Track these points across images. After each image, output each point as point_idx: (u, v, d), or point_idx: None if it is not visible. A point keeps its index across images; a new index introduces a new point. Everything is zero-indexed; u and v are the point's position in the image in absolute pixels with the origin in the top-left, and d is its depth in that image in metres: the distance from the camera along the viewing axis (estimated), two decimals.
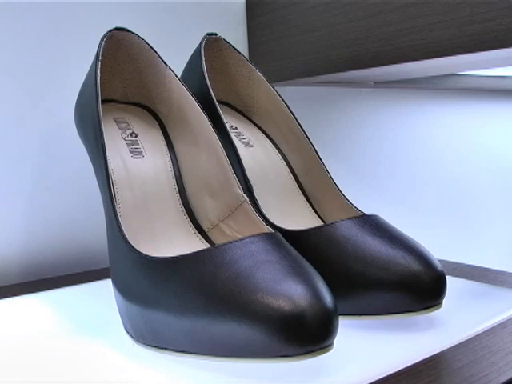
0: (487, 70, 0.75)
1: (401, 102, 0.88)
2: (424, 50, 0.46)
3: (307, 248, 0.35)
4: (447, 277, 0.34)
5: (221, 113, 0.42)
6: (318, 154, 0.45)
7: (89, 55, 0.44)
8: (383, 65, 0.50)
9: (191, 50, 0.47)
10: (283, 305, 0.26)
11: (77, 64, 0.53)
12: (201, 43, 0.46)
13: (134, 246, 0.32)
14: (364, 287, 0.33)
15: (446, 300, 0.34)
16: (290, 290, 0.26)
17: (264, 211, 0.39)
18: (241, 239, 0.30)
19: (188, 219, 0.40)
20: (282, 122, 0.47)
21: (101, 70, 0.40)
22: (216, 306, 0.27)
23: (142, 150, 0.42)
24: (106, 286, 0.39)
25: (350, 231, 0.35)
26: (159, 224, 0.39)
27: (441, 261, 0.48)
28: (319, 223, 0.44)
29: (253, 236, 0.30)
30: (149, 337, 0.30)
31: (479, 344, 0.32)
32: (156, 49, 0.42)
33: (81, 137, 0.42)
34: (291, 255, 0.30)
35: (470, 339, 0.33)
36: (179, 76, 0.43)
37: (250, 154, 0.46)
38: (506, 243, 1.08)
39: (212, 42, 0.47)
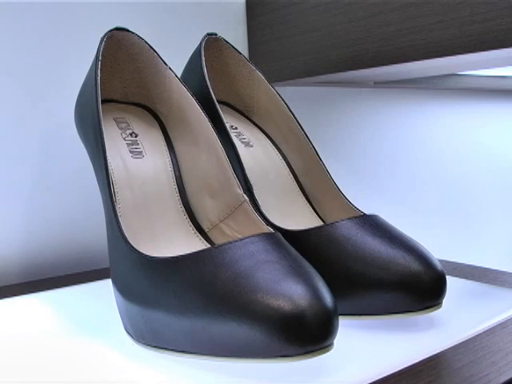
0: (487, 70, 0.75)
1: (401, 102, 0.88)
2: (424, 50, 0.46)
3: (307, 248, 0.35)
4: (447, 277, 0.34)
5: (221, 113, 0.42)
6: (318, 154, 0.45)
7: (89, 55, 0.44)
8: (383, 65, 0.50)
9: (191, 50, 0.47)
10: (283, 305, 0.26)
11: (77, 64, 0.53)
12: (201, 43, 0.46)
13: (134, 245, 0.32)
14: (364, 287, 0.33)
15: (446, 300, 0.34)
16: (289, 290, 0.26)
17: (264, 211, 0.39)
18: (241, 239, 0.30)
19: (188, 219, 0.40)
20: (282, 122, 0.47)
21: (101, 70, 0.40)
22: (216, 305, 0.27)
23: (142, 149, 0.42)
24: (106, 285, 0.39)
25: (350, 231, 0.35)
26: (159, 224, 0.39)
27: (441, 261, 0.48)
28: (319, 223, 0.44)
29: (253, 236, 0.30)
30: (149, 337, 0.30)
31: (479, 344, 0.32)
32: (156, 49, 0.42)
33: (81, 137, 0.42)
34: (291, 255, 0.30)
35: (470, 339, 0.32)
36: (179, 76, 0.43)
37: (250, 154, 0.46)
38: (506, 243, 1.08)
39: (212, 42, 0.47)
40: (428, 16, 0.46)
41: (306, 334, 0.26)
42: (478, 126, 1.02)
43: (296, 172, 0.46)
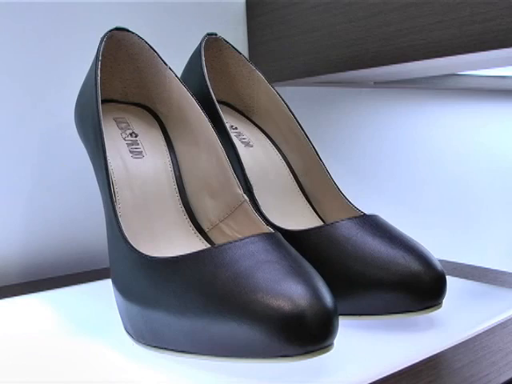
0: (487, 70, 0.75)
1: (401, 102, 0.88)
2: (424, 50, 0.46)
3: (307, 248, 0.35)
4: (447, 277, 0.34)
5: (221, 113, 0.42)
6: (318, 154, 0.45)
7: (89, 55, 0.44)
8: (383, 65, 0.50)
9: (191, 50, 0.47)
10: (283, 305, 0.26)
11: (77, 64, 0.53)
12: (201, 43, 0.46)
13: (134, 246, 0.32)
14: (364, 287, 0.33)
15: (446, 300, 0.34)
16: (290, 290, 0.26)
17: (264, 211, 0.39)
18: (241, 239, 0.30)
19: (188, 219, 0.40)
20: (282, 122, 0.47)
21: (101, 70, 0.40)
22: (216, 305, 0.27)
23: (142, 149, 0.42)
24: (106, 285, 0.39)
25: (350, 231, 0.35)
26: (159, 224, 0.39)
27: (441, 261, 0.48)
28: (319, 223, 0.44)
29: (253, 236, 0.30)
30: (149, 337, 0.30)
31: (479, 344, 0.32)
32: (156, 49, 0.42)
33: (81, 137, 0.42)
34: (291, 255, 0.30)
35: (470, 339, 0.32)
36: (179, 76, 0.43)
37: (250, 154, 0.46)
38: (506, 243, 1.08)
39: (212, 42, 0.47)
40: (428, 16, 0.46)
41: (306, 334, 0.26)
42: (478, 126, 1.02)
43: (296, 172, 0.46)
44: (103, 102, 0.44)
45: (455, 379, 0.28)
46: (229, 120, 0.48)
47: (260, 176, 0.44)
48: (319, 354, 0.26)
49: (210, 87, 0.43)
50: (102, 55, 0.41)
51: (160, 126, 0.45)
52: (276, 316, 0.26)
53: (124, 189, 0.39)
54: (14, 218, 0.52)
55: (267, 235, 0.31)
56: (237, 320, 0.26)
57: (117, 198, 0.38)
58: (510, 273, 0.47)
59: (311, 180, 0.45)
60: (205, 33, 0.47)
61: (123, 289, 0.32)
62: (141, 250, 0.32)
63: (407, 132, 0.89)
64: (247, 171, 0.41)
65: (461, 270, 0.49)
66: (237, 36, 0.66)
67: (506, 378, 0.28)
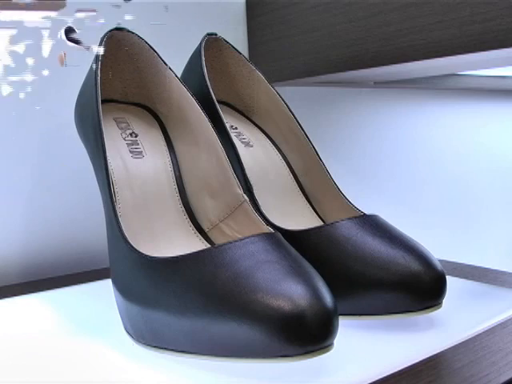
0: (487, 70, 0.75)
1: (401, 102, 0.88)
2: (424, 50, 0.46)
3: (307, 248, 0.35)
4: (447, 277, 0.34)
5: (221, 113, 0.42)
6: (318, 154, 0.45)
7: (89, 55, 0.44)
8: (383, 65, 0.50)
9: (191, 50, 0.47)
10: (283, 305, 0.26)
11: (77, 64, 0.53)
12: (201, 43, 0.46)
13: (134, 246, 0.32)
14: (364, 287, 0.33)
15: (446, 300, 0.34)
16: (290, 290, 0.26)
17: (264, 211, 0.39)
18: (241, 239, 0.30)
19: (188, 219, 0.40)
20: (282, 122, 0.47)
21: (101, 70, 0.40)
22: (216, 305, 0.27)
23: (142, 149, 0.42)
24: (106, 286, 0.39)
25: (350, 231, 0.35)
26: (159, 224, 0.39)
27: (441, 261, 0.48)
28: (319, 223, 0.44)
29: (253, 236, 0.30)
30: (149, 337, 0.30)
31: (479, 344, 0.32)
32: (156, 49, 0.42)
33: (81, 137, 0.42)
34: (291, 255, 0.30)
35: (470, 339, 0.32)
36: (179, 76, 0.43)
37: (250, 154, 0.46)
38: (506, 243, 1.08)
39: (212, 42, 0.47)
40: (428, 16, 0.46)
41: (306, 334, 0.26)
42: (478, 126, 1.02)
43: (296, 172, 0.46)
44: (103, 102, 0.44)
45: (455, 379, 0.28)
46: (229, 120, 0.48)
47: (260, 176, 0.44)
48: (319, 354, 0.26)
49: (210, 87, 0.43)
50: (102, 55, 0.41)
51: (160, 126, 0.45)
52: (276, 316, 0.26)
53: (124, 189, 0.39)
54: (14, 217, 0.52)
55: (267, 235, 0.31)
56: (237, 320, 0.26)
57: (117, 198, 0.38)
58: (510, 273, 0.47)
59: (311, 180, 0.45)
60: (205, 33, 0.46)
61: (123, 289, 0.32)
62: (141, 250, 0.32)
63: (407, 132, 0.89)
64: (247, 171, 0.41)
65: (461, 270, 0.49)
66: (237, 36, 0.66)
67: (506, 377, 0.28)
